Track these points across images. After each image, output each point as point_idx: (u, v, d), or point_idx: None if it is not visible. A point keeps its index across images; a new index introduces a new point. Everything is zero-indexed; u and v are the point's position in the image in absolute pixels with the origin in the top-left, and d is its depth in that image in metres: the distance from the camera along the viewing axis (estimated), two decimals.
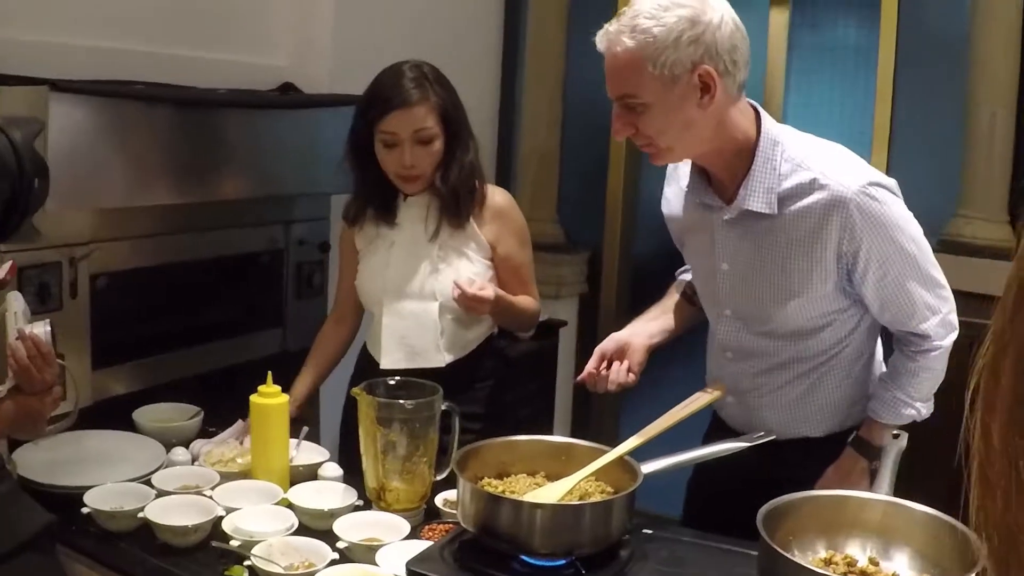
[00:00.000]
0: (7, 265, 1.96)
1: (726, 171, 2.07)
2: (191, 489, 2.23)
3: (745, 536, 1.89)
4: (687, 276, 2.38)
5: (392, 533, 2.04)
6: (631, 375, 2.23)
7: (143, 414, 2.61)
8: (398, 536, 2.03)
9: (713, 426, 2.36)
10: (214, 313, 3.15)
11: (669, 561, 1.94)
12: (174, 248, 2.92)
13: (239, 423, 2.54)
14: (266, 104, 3.13)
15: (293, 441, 2.40)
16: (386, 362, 2.53)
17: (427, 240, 2.53)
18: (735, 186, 2.06)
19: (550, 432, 3.78)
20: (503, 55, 4.55)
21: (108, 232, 2.67)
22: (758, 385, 2.20)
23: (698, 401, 2.11)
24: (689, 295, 2.36)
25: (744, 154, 2.03)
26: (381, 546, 1.97)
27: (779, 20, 4.27)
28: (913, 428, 2.13)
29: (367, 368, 2.59)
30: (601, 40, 1.97)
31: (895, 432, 2.09)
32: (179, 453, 2.42)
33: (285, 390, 2.37)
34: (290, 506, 2.15)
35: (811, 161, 2.01)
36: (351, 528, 2.04)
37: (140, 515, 2.04)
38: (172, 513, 2.06)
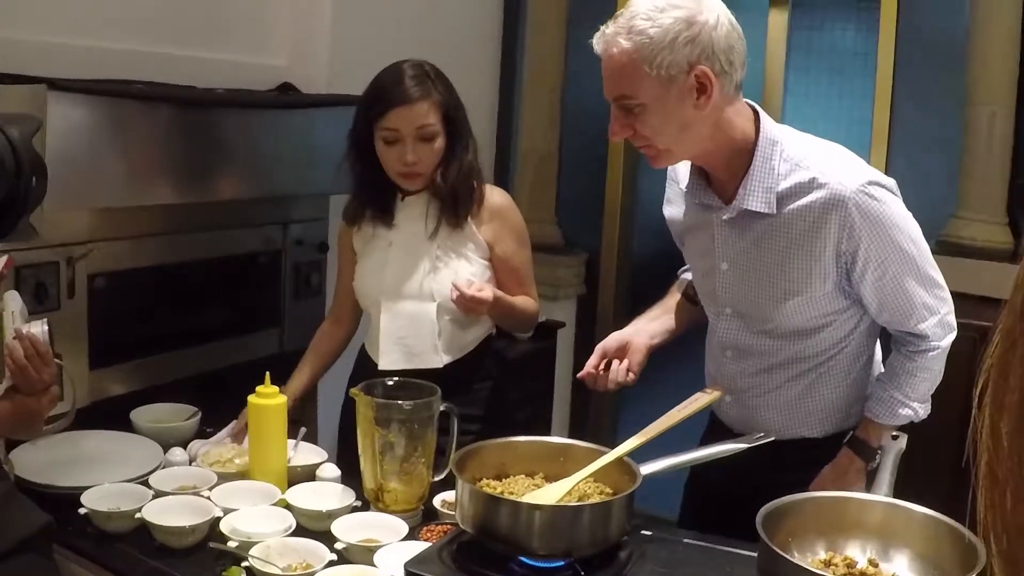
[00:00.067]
0: (4, 259, 1.96)
1: (725, 171, 2.08)
2: (188, 490, 2.22)
3: (742, 537, 1.89)
4: (688, 275, 2.38)
5: (390, 534, 2.03)
6: (630, 375, 2.24)
7: (140, 414, 2.61)
8: (396, 537, 2.02)
9: (711, 427, 2.36)
10: (212, 313, 3.15)
11: (668, 562, 1.93)
12: (172, 248, 2.92)
13: (233, 423, 2.54)
14: (264, 104, 3.13)
15: (291, 442, 2.40)
16: (384, 363, 2.53)
17: (426, 240, 2.52)
18: (734, 186, 2.06)
19: (548, 433, 3.78)
20: (502, 56, 4.56)
21: (106, 232, 2.67)
22: (757, 384, 2.20)
23: (697, 402, 2.10)
24: (690, 295, 2.36)
25: (743, 154, 2.03)
26: (379, 547, 1.96)
27: (778, 21, 4.27)
28: (912, 429, 2.13)
29: (365, 369, 2.58)
30: (598, 42, 1.98)
31: (894, 433, 2.09)
32: (176, 454, 2.41)
33: (283, 390, 2.37)
34: (288, 507, 2.15)
35: (810, 160, 2.02)
36: (349, 529, 2.03)
37: (137, 516, 2.03)
38: (169, 514, 2.05)
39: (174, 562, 1.97)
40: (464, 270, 2.51)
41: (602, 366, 2.26)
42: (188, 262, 2.99)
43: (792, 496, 1.78)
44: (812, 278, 2.04)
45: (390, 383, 2.24)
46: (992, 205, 3.58)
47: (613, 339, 2.30)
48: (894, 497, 1.89)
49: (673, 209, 2.30)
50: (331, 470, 2.34)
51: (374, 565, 1.91)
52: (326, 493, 2.22)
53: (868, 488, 2.05)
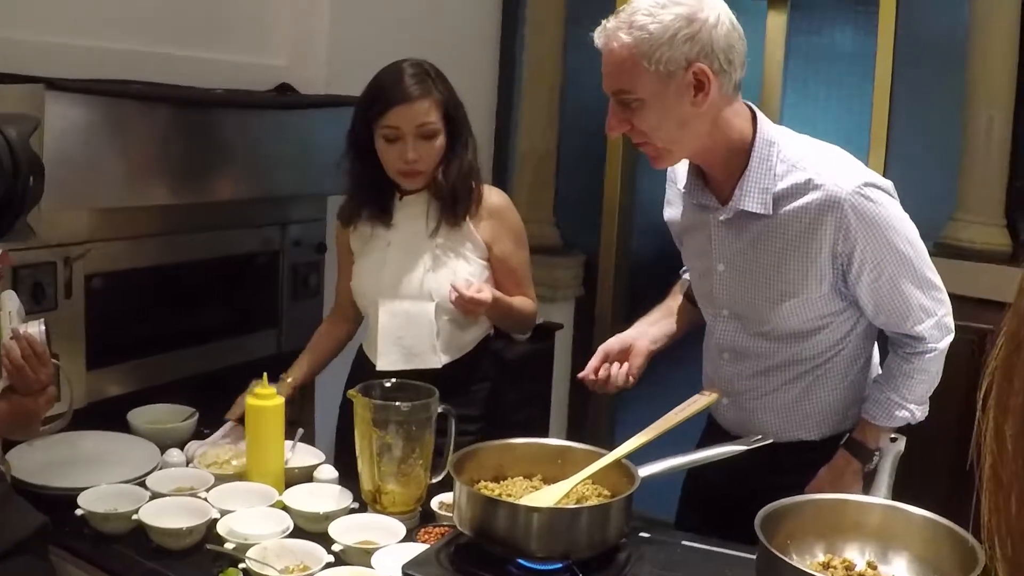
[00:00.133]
0: None
1: (722, 171, 2.08)
2: (186, 491, 2.22)
3: (739, 540, 1.89)
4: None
5: (388, 536, 2.03)
6: (630, 378, 2.24)
7: (138, 415, 2.60)
8: (394, 539, 2.02)
9: (708, 429, 2.36)
10: (209, 314, 3.14)
11: (666, 565, 1.93)
12: (170, 249, 2.92)
13: (227, 424, 2.54)
14: (263, 105, 3.13)
15: (288, 443, 2.39)
16: (382, 363, 2.52)
17: (424, 239, 2.52)
18: (731, 186, 2.06)
19: (546, 434, 3.78)
20: (500, 56, 4.55)
21: (103, 232, 2.67)
22: (754, 387, 2.20)
23: (695, 404, 2.10)
24: (692, 296, 2.36)
25: (740, 154, 2.04)
26: (376, 549, 1.96)
27: (777, 23, 4.27)
28: (911, 431, 2.13)
29: (363, 370, 2.58)
30: (599, 36, 1.99)
31: (893, 436, 2.09)
32: (174, 455, 2.41)
33: (282, 377, 2.36)
34: (285, 508, 2.14)
35: (806, 162, 2.02)
36: (346, 531, 2.03)
37: (134, 517, 2.03)
38: (166, 515, 2.04)
39: (171, 563, 1.96)
40: (462, 270, 2.51)
41: (602, 369, 2.26)
42: (186, 262, 2.98)
43: (791, 498, 1.78)
44: (808, 279, 2.04)
45: (388, 384, 2.23)
46: (991, 207, 3.58)
47: (616, 341, 2.30)
48: (893, 499, 1.89)
49: (673, 210, 2.30)
50: (328, 471, 2.34)
51: (371, 567, 1.91)
52: (323, 495, 2.22)
53: (866, 490, 2.05)
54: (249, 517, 2.08)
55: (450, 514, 2.01)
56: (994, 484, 0.59)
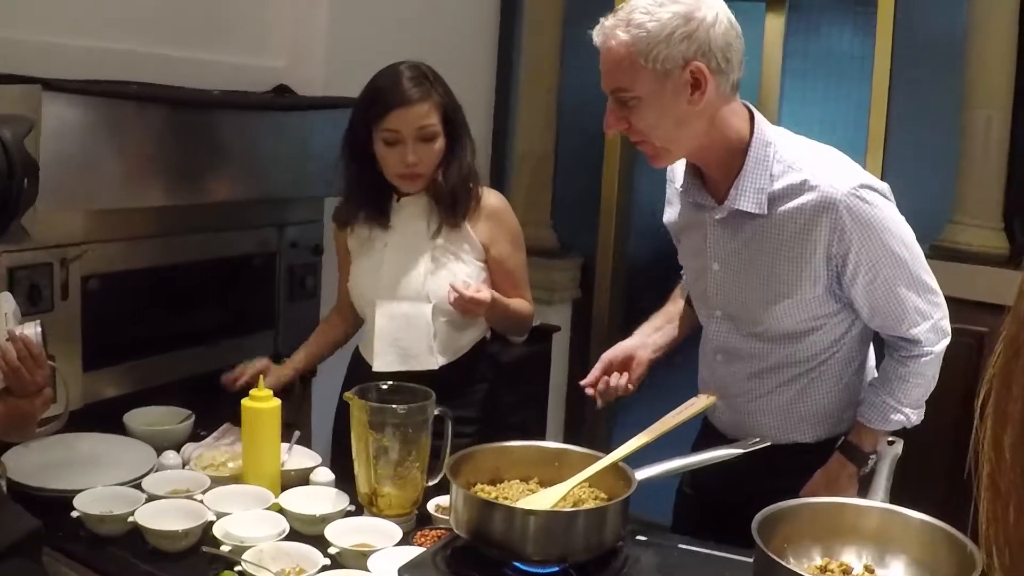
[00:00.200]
0: None
1: (719, 170, 2.08)
2: (182, 493, 2.21)
3: (735, 543, 1.89)
4: None
5: (384, 539, 2.02)
6: (629, 387, 2.27)
7: (134, 417, 2.60)
8: (390, 542, 2.01)
9: (704, 432, 2.36)
10: (206, 316, 3.14)
11: (663, 568, 1.93)
12: (166, 250, 2.91)
13: (224, 426, 2.53)
14: (260, 106, 3.12)
15: (285, 445, 2.39)
16: (378, 364, 2.52)
17: (423, 240, 2.52)
18: (728, 186, 2.06)
19: (543, 437, 3.77)
20: (498, 58, 4.55)
21: (100, 233, 2.66)
22: (748, 389, 2.20)
23: (692, 407, 2.10)
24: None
25: (737, 154, 2.04)
26: (373, 552, 1.96)
27: (775, 25, 4.27)
28: (908, 435, 2.13)
29: (359, 371, 2.58)
30: (597, 34, 1.99)
31: (890, 439, 2.08)
32: (170, 457, 2.40)
33: (277, 394, 2.36)
34: (281, 511, 2.14)
35: (802, 162, 2.02)
36: (343, 533, 2.02)
37: (130, 519, 2.03)
38: (162, 517, 2.04)
39: (167, 566, 1.96)
40: (460, 272, 2.51)
41: (601, 381, 2.29)
42: (183, 264, 2.98)
43: (788, 502, 1.78)
44: (802, 280, 2.04)
45: (384, 387, 2.23)
46: (988, 210, 3.57)
47: (619, 350, 2.32)
48: (890, 502, 1.88)
49: (671, 210, 2.30)
50: (325, 474, 2.34)
51: (367, 570, 1.90)
52: (320, 497, 2.22)
53: (864, 493, 2.04)
54: (245, 519, 2.07)
55: (447, 517, 2.00)
56: (992, 493, 0.58)
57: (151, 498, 2.15)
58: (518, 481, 2.03)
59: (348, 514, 2.16)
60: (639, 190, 4.51)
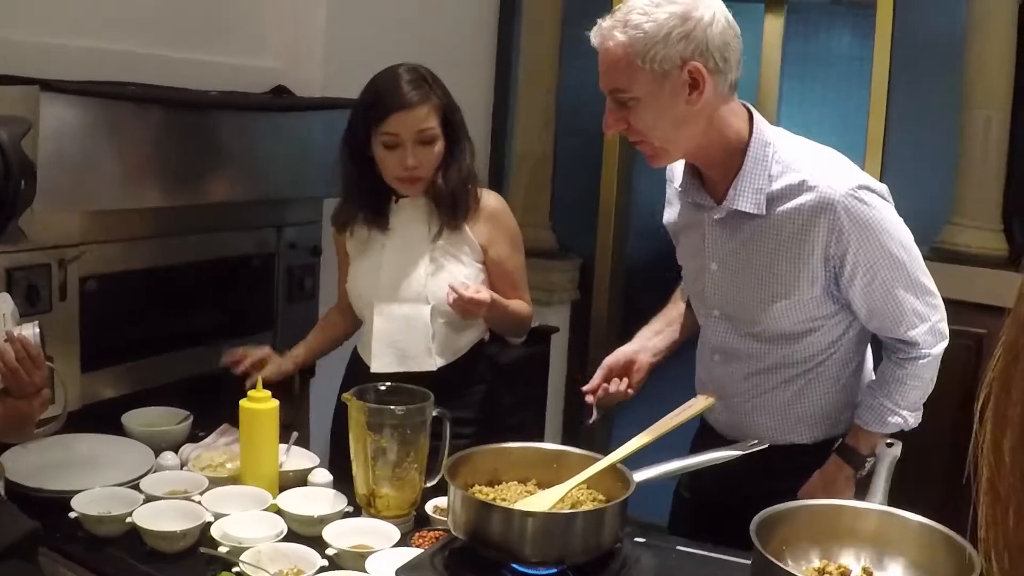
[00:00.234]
0: None
1: (718, 170, 2.08)
2: (180, 494, 2.21)
3: (732, 544, 1.88)
4: None
5: (382, 540, 2.02)
6: (629, 392, 2.28)
7: (132, 418, 2.59)
8: (388, 543, 2.01)
9: (701, 432, 2.36)
10: (204, 317, 3.13)
11: (661, 570, 1.93)
12: (164, 251, 2.91)
13: (222, 427, 2.53)
14: (258, 107, 3.12)
15: (283, 446, 2.39)
16: (376, 365, 2.52)
17: (422, 242, 2.52)
18: (727, 186, 2.06)
19: (542, 438, 3.76)
20: (497, 59, 4.55)
21: (98, 234, 2.66)
22: (745, 389, 2.20)
23: (691, 409, 2.09)
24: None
25: (736, 154, 2.04)
26: (371, 553, 1.95)
27: (774, 27, 4.27)
28: (906, 437, 2.12)
29: (358, 372, 2.58)
30: (595, 35, 2.00)
31: (889, 441, 2.08)
32: (168, 458, 2.40)
33: (275, 394, 2.36)
34: (279, 512, 2.13)
35: (801, 163, 2.02)
36: (340, 535, 2.02)
37: (128, 520, 2.02)
38: (160, 518, 2.04)
39: (164, 567, 1.96)
40: (458, 273, 2.51)
41: (600, 388, 2.30)
42: (181, 265, 2.98)
43: (786, 504, 1.77)
44: (800, 281, 2.04)
45: (382, 388, 2.23)
46: (987, 211, 3.57)
47: (619, 355, 2.33)
48: (888, 505, 1.88)
49: (671, 210, 2.30)
50: (323, 475, 2.33)
51: (365, 571, 1.90)
52: (318, 498, 2.21)
53: (863, 496, 2.04)
54: (243, 520, 2.07)
55: (445, 518, 2.00)
56: (991, 497, 0.58)
57: (149, 499, 2.15)
58: (516, 482, 2.03)
59: (346, 515, 2.16)
60: (638, 191, 4.51)
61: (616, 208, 4.49)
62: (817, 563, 1.75)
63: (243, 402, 2.30)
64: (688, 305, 2.39)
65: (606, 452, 2.00)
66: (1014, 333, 0.58)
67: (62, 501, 2.09)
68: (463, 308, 2.42)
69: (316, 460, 2.45)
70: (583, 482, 1.94)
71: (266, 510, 2.15)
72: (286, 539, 2.03)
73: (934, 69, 3.72)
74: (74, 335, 2.62)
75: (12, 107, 2.27)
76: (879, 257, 1.98)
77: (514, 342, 2.85)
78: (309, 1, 3.50)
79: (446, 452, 2.16)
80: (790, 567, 1.64)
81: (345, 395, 2.18)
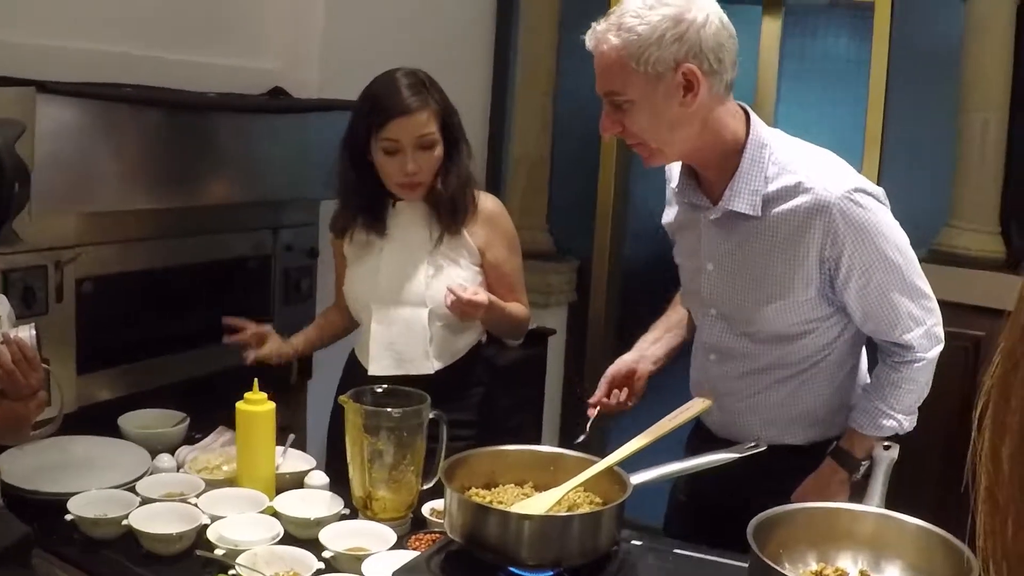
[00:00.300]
0: None
1: (715, 171, 2.08)
2: (176, 496, 2.21)
3: (727, 546, 1.88)
4: None
5: (378, 543, 2.02)
6: (629, 403, 2.32)
7: (128, 420, 2.59)
8: (384, 546, 2.01)
9: (696, 432, 2.36)
10: (201, 318, 3.12)
11: (658, 573, 1.92)
12: (161, 252, 2.91)
13: (218, 429, 2.53)
14: (256, 108, 3.12)
15: (279, 449, 2.38)
16: (374, 368, 2.52)
17: (418, 245, 2.52)
18: (723, 186, 2.06)
19: (539, 440, 3.77)
20: (494, 61, 4.55)
21: (94, 236, 2.66)
22: (739, 389, 2.20)
23: (689, 411, 2.09)
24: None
25: (732, 155, 2.04)
26: (367, 555, 1.95)
27: (771, 29, 4.27)
28: (902, 439, 2.12)
29: (355, 375, 2.57)
30: (589, 38, 2.00)
31: (886, 444, 2.08)
32: (164, 460, 2.40)
33: (272, 397, 2.35)
34: (275, 514, 2.13)
35: (797, 165, 2.02)
36: (337, 537, 2.02)
37: (124, 523, 2.02)
38: (157, 521, 2.03)
39: (160, 569, 1.96)
40: (456, 276, 2.51)
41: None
42: (177, 267, 2.97)
43: (783, 507, 1.77)
44: (794, 282, 2.04)
45: (379, 390, 2.23)
46: (985, 214, 3.57)
47: (621, 365, 2.35)
48: (885, 508, 1.88)
49: (670, 211, 2.30)
50: (319, 477, 2.33)
51: (362, 574, 1.90)
52: (314, 501, 2.21)
53: (860, 499, 2.04)
54: (239, 523, 2.07)
55: (441, 521, 2.00)
56: (989, 506, 0.57)
57: (145, 501, 2.15)
58: (513, 485, 2.03)
59: (343, 517, 2.16)
60: (635, 193, 4.51)
61: (613, 210, 4.49)
62: (814, 566, 1.75)
63: (239, 404, 2.29)
64: (689, 311, 2.39)
65: (603, 455, 2.00)
66: (1013, 340, 0.57)
67: (58, 503, 2.09)
68: (461, 310, 2.42)
69: (313, 462, 2.45)
70: (580, 485, 1.94)
71: (262, 512, 2.15)
72: (282, 541, 2.02)
73: (932, 71, 3.72)
74: (70, 337, 2.62)
75: (8, 108, 2.26)
76: (874, 260, 1.98)
77: (511, 344, 2.84)
78: (306, 3, 3.49)
79: (443, 454, 2.16)
80: (787, 570, 1.64)
81: (342, 397, 2.18)
